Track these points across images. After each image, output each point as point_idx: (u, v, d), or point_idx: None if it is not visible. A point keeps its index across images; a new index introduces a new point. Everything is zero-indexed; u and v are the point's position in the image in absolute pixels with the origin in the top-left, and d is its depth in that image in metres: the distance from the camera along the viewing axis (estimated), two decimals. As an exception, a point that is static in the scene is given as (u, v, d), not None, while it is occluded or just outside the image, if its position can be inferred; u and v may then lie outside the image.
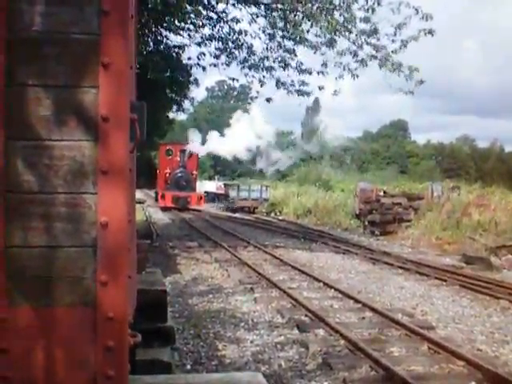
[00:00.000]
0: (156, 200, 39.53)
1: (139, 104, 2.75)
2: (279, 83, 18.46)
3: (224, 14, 18.16)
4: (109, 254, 2.34)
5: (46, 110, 2.27)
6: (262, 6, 17.52)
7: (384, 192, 28.57)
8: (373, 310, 9.51)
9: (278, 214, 37.92)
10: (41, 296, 2.30)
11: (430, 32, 15.42)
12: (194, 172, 39.46)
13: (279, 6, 16.86)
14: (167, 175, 37.88)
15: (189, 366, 6.61)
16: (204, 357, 7.03)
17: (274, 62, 18.27)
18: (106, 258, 2.34)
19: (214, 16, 18.36)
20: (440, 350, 7.21)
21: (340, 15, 16.12)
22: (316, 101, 69.53)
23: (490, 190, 25.01)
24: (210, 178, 59.41)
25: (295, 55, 17.92)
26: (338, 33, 16.22)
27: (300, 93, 18.64)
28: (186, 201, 36.34)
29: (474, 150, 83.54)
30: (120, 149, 2.35)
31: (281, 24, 17.41)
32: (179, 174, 36.88)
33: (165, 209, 35.94)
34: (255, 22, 17.85)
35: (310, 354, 7.18)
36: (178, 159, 37.55)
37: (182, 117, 63.85)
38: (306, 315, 9.15)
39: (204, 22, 18.52)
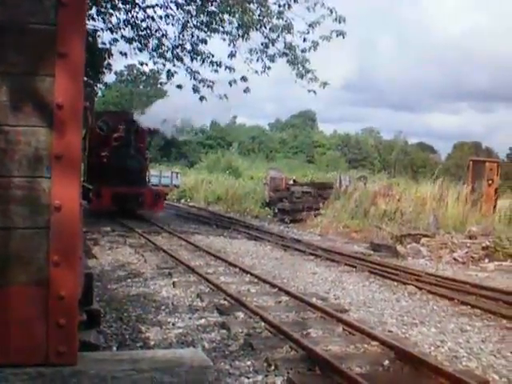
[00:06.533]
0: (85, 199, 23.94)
1: (90, 92, 2.83)
2: (190, 73, 18.51)
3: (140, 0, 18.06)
4: (61, 236, 2.37)
5: (3, 96, 2.31)
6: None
7: (294, 181, 29.19)
8: (288, 294, 9.85)
9: (189, 200, 38.00)
10: (-4, 275, 2.33)
11: (342, 34, 15.96)
12: (147, 156, 26.43)
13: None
14: (104, 160, 23.58)
15: (115, 348, 6.69)
16: (129, 339, 7.14)
17: (184, 52, 18.32)
18: (58, 239, 2.37)
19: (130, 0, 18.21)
20: (354, 331, 7.60)
21: (257, 8, 16.41)
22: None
23: (395, 180, 25.99)
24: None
25: (205, 43, 18.02)
26: (252, 26, 16.50)
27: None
28: (136, 201, 22.72)
29: (379, 141, 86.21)
30: (74, 135, 2.38)
31: (196, 13, 17.51)
32: (125, 159, 22.97)
33: (100, 213, 22.04)
34: (171, 9, 17.85)
35: (232, 335, 7.42)
36: (122, 135, 23.79)
37: (89, 101, 62.26)
38: (225, 299, 9.38)
39: (119, 6, 18.35)
